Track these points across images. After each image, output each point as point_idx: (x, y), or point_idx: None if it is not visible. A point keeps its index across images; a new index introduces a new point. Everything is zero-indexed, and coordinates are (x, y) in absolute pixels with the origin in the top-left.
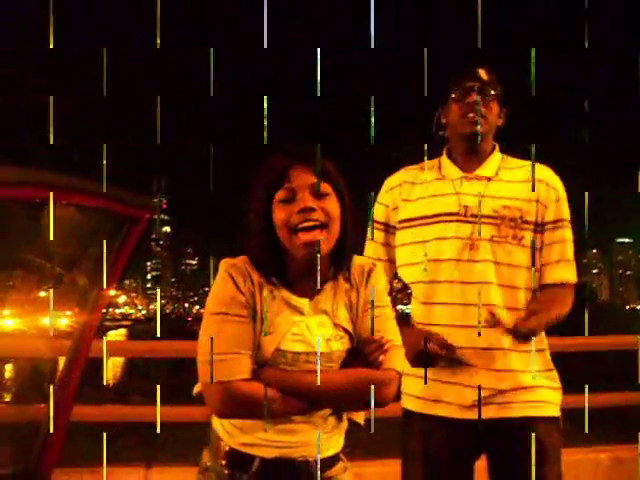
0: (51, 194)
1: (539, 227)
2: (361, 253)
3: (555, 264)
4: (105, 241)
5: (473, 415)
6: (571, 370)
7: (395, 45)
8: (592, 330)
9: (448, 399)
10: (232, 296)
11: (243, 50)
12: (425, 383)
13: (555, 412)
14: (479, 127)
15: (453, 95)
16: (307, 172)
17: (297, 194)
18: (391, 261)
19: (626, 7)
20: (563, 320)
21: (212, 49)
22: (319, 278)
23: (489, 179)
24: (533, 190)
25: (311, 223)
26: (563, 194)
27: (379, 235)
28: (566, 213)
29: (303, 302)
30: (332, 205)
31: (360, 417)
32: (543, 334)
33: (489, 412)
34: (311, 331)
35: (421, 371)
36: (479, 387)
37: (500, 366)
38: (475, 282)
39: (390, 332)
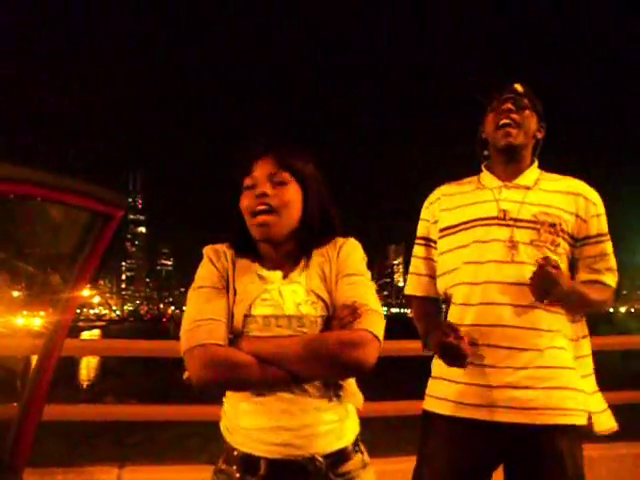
0: (24, 190)
1: (578, 241)
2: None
3: (599, 271)
4: (78, 239)
5: (498, 417)
6: None
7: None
8: None
9: (474, 401)
10: (208, 271)
11: (230, 48)
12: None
13: (583, 420)
14: (513, 138)
15: (489, 106)
16: (268, 162)
17: (258, 183)
18: (431, 276)
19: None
20: (594, 311)
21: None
22: (287, 258)
23: (528, 188)
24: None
25: (263, 207)
26: (602, 209)
27: (420, 250)
28: (606, 227)
29: (275, 274)
30: (289, 193)
31: (359, 402)
32: (587, 341)
33: (513, 416)
34: (283, 296)
35: (446, 373)
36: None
37: (532, 364)
38: (513, 282)
39: (365, 298)
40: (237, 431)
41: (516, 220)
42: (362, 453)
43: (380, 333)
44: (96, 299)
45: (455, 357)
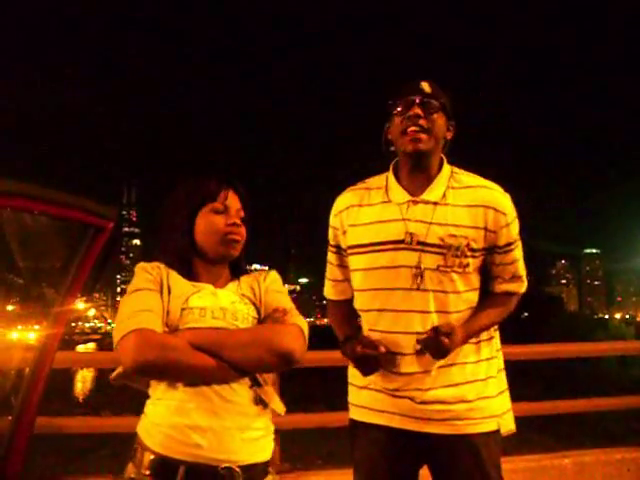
0: (13, 202)
1: (488, 251)
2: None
3: (507, 281)
4: (69, 252)
5: (414, 427)
6: (537, 377)
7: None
8: (562, 339)
9: (392, 409)
10: (142, 278)
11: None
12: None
13: (494, 426)
14: (422, 144)
15: (394, 109)
16: (235, 197)
17: (229, 211)
18: (347, 280)
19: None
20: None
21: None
22: (218, 279)
23: (436, 204)
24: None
25: (238, 237)
26: (512, 215)
27: (333, 257)
28: (515, 233)
29: (207, 285)
30: (246, 231)
31: (281, 407)
32: (497, 340)
33: (430, 427)
34: (217, 295)
35: (365, 381)
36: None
37: (443, 382)
38: (418, 311)
39: (293, 307)
40: (157, 431)
41: (424, 244)
42: (272, 474)
43: (306, 334)
44: (91, 312)
45: (370, 367)
